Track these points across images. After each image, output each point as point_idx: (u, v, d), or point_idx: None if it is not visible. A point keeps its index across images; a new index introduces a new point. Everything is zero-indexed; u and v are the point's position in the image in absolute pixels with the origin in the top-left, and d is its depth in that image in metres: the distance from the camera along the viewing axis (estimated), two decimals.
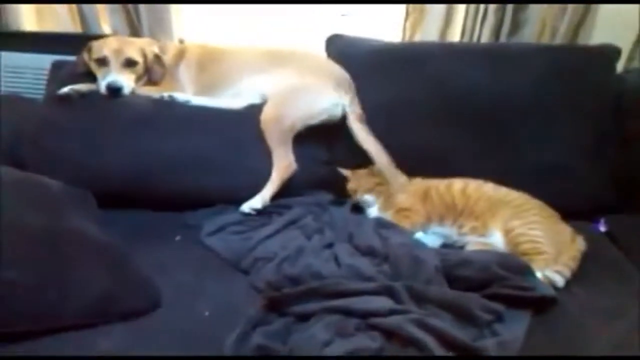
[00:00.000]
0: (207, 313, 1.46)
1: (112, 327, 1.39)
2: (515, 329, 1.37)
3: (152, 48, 2.21)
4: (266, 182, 2.00)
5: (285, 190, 2.03)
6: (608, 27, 2.46)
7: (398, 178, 2.02)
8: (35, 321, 1.33)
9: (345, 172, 2.08)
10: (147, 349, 1.33)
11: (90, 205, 1.86)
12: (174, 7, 2.61)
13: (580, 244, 1.74)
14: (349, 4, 2.62)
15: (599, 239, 1.89)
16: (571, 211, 1.88)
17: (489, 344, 1.29)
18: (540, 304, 1.46)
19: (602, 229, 1.98)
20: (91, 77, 2.13)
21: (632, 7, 2.36)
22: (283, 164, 2.02)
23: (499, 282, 1.50)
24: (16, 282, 1.32)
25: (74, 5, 2.60)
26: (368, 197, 2.01)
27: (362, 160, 2.07)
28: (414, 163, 2.06)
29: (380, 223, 1.86)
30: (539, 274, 1.57)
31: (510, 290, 1.47)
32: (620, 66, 2.30)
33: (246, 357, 1.30)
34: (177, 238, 1.86)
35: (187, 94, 2.19)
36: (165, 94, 2.11)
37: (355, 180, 2.05)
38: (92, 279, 1.44)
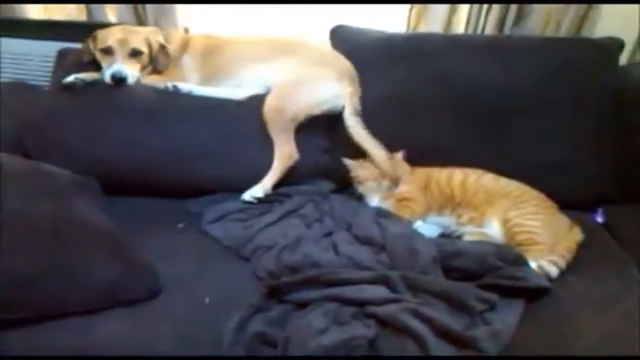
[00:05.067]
0: (207, 300, 1.49)
1: (114, 313, 1.42)
2: (507, 318, 1.39)
3: (157, 37, 2.22)
4: (267, 171, 2.02)
5: (287, 179, 2.05)
6: (612, 20, 2.45)
7: (397, 171, 2.01)
8: (38, 308, 1.37)
9: (350, 161, 2.06)
10: (146, 335, 1.38)
11: (95, 192, 1.88)
12: None
13: (577, 234, 1.76)
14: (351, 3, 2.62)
15: (596, 229, 1.90)
16: (571, 202, 1.91)
17: (480, 333, 1.32)
18: (533, 294, 1.48)
19: (600, 219, 1.99)
20: (96, 66, 2.15)
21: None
22: (285, 153, 2.04)
23: (493, 273, 1.53)
24: (20, 269, 1.35)
25: None
26: (386, 183, 1.99)
27: (361, 150, 2.08)
28: (416, 154, 2.06)
29: (379, 212, 1.88)
30: (533, 265, 1.59)
31: (504, 280, 1.49)
32: (624, 59, 2.30)
33: (243, 357, 1.33)
34: (180, 225, 1.88)
35: (191, 84, 2.21)
36: (170, 84, 2.12)
37: (367, 168, 2.02)
38: (95, 267, 1.46)
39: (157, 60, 2.21)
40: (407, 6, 2.63)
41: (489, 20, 2.55)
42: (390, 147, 2.06)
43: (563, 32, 2.50)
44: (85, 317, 1.40)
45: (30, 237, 1.41)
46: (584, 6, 2.44)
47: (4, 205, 1.41)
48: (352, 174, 2.05)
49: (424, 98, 2.16)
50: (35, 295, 1.37)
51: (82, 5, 2.62)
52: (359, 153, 2.08)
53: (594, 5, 2.45)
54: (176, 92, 2.12)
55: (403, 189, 1.99)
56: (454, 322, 1.34)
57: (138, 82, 2.14)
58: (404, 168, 2.03)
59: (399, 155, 2.03)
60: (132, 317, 1.43)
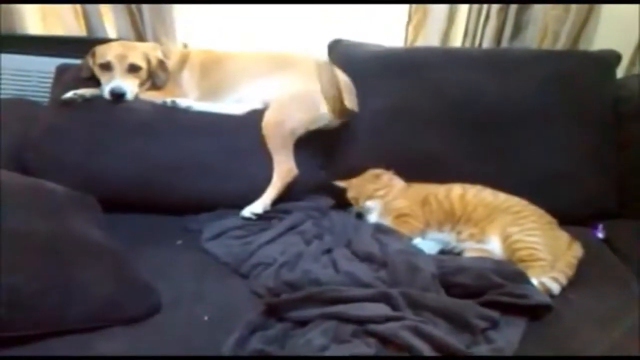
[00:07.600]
0: (206, 317, 1.48)
1: (112, 331, 1.41)
2: (509, 335, 1.38)
3: (156, 53, 2.23)
4: (267, 187, 2.01)
5: (286, 195, 2.05)
6: (610, 32, 2.47)
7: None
8: (38, 325, 1.35)
9: (342, 184, 2.08)
10: (146, 353, 1.35)
11: (94, 209, 1.86)
12: (178, 11, 2.63)
13: (577, 250, 1.75)
14: (352, 4, 2.62)
15: (596, 245, 1.90)
16: (570, 217, 1.90)
17: (482, 351, 1.31)
18: (535, 312, 1.47)
19: (600, 235, 1.99)
20: (95, 81, 2.15)
21: (634, 12, 2.37)
22: (284, 168, 2.03)
23: (494, 290, 1.52)
24: (20, 287, 1.33)
25: (79, 8, 2.61)
26: (370, 204, 2.02)
27: (360, 165, 2.10)
28: (414, 168, 2.07)
29: (379, 229, 1.88)
30: (534, 281, 1.58)
31: (506, 298, 1.48)
32: (621, 71, 2.31)
33: (247, 357, 1.32)
34: (179, 242, 1.87)
35: (190, 99, 2.21)
36: (168, 100, 2.12)
37: (354, 189, 2.06)
38: (94, 284, 1.45)
39: (155, 76, 2.21)
40: (405, 20, 2.64)
41: (487, 33, 2.57)
42: (389, 160, 2.08)
43: (561, 44, 2.51)
44: (83, 335, 1.38)
45: (28, 254, 1.40)
46: (581, 16, 2.45)
47: (3, 222, 1.40)
48: (349, 194, 2.07)
49: (422, 111, 2.17)
50: (34, 312, 1.35)
51: (82, 20, 2.62)
52: (355, 169, 2.09)
53: (592, 16, 2.46)
54: (175, 107, 2.12)
55: (401, 204, 1.98)
56: (455, 340, 1.33)
57: (137, 98, 2.14)
58: (397, 184, 2.05)
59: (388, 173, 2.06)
60: (130, 335, 1.41)
